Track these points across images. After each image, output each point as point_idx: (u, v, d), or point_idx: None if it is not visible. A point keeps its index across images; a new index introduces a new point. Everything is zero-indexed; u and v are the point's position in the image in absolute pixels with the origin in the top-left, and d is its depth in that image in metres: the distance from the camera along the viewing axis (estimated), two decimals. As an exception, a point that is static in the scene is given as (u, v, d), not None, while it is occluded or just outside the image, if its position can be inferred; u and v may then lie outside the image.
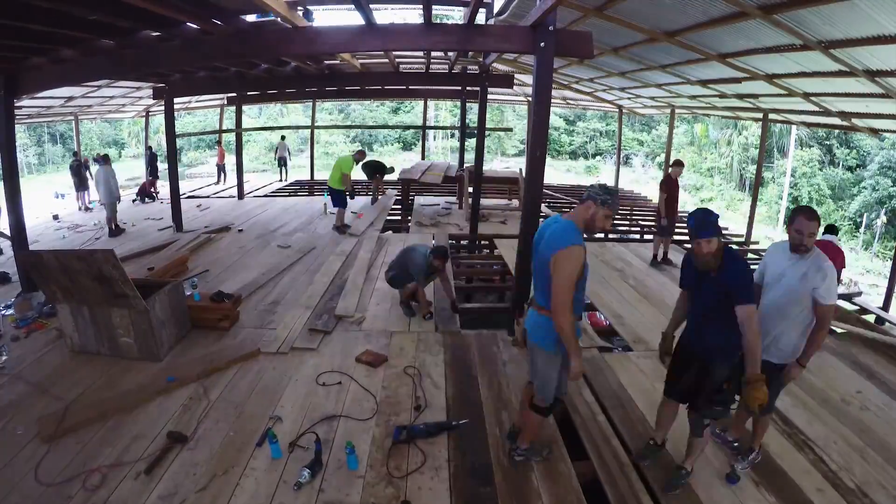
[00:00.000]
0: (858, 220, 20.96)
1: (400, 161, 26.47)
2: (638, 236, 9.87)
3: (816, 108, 7.17)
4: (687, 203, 21.61)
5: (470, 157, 11.35)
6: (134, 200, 11.72)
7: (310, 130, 17.05)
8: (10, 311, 4.99)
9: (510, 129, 29.13)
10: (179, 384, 3.70)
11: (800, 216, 2.45)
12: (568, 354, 2.48)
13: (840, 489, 2.82)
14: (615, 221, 10.08)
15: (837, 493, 2.79)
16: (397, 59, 8.36)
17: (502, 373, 4.03)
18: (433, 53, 8.17)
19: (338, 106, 32.98)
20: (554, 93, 10.50)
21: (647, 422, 3.39)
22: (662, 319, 5.13)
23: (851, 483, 2.88)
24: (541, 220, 3.65)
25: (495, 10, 5.75)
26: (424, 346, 4.46)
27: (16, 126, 5.84)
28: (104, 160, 8.62)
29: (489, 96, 8.47)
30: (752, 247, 8.96)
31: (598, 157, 32.64)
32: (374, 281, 6.00)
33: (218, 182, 15.18)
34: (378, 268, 6.45)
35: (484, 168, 8.82)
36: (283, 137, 17.33)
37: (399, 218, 10.13)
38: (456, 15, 9.42)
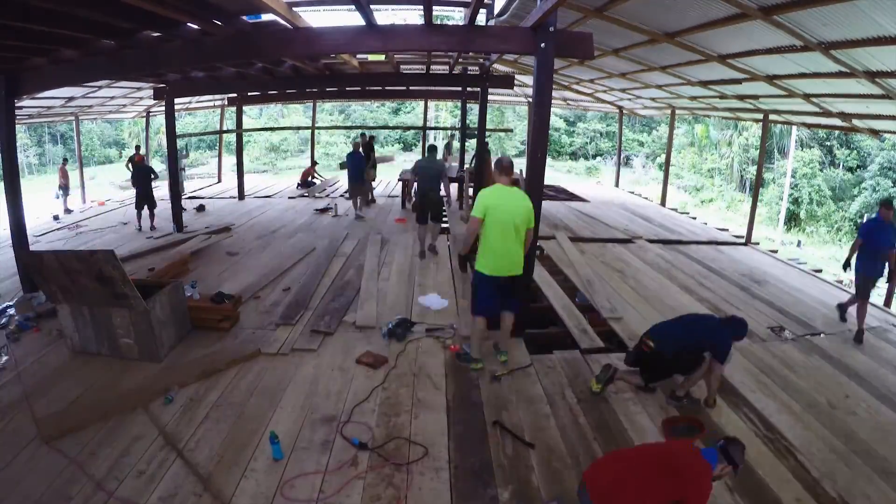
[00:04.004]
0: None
1: (401, 162, 26.52)
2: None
3: (817, 109, 7.17)
4: (687, 204, 21.61)
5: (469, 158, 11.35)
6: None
7: (310, 131, 17.05)
8: (12, 311, 4.99)
9: (511, 130, 29.13)
10: (180, 385, 3.70)
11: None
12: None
13: (821, 498, 2.77)
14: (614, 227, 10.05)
15: (816, 503, 2.74)
16: (397, 59, 8.37)
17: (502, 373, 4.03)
18: (434, 54, 8.18)
19: (338, 107, 32.96)
20: (554, 94, 10.49)
21: (621, 423, 3.42)
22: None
23: (833, 492, 2.82)
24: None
25: (496, 11, 5.76)
26: (424, 346, 4.46)
27: (16, 126, 5.84)
28: None
29: (489, 97, 8.48)
30: (753, 247, 8.95)
31: (598, 158, 32.63)
32: (379, 282, 6.00)
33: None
34: (380, 269, 6.47)
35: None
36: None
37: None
38: (456, 16, 9.42)
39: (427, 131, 17.30)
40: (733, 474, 2.24)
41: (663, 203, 12.78)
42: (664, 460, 2.20)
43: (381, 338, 4.59)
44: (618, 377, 3.74)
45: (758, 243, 9.42)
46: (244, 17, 4.66)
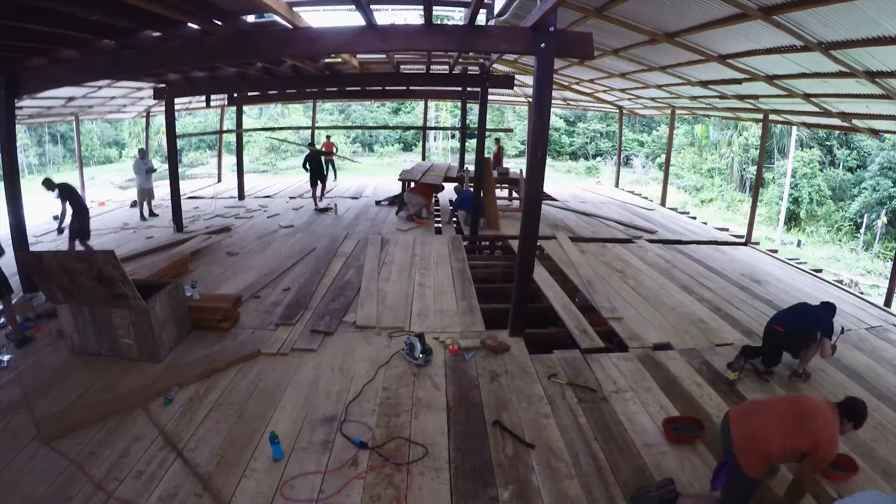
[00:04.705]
0: (859, 220, 20.95)
1: (400, 162, 26.50)
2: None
3: (817, 109, 7.16)
4: (687, 204, 21.60)
5: (471, 158, 11.36)
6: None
7: (310, 131, 17.04)
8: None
9: (511, 130, 29.14)
10: (180, 385, 3.70)
11: None
12: None
13: (820, 499, 2.77)
14: (617, 224, 10.02)
15: (817, 503, 2.74)
16: (397, 59, 8.37)
17: (502, 373, 4.04)
18: (434, 53, 8.17)
19: (338, 106, 32.99)
20: (554, 94, 10.51)
21: (621, 423, 3.42)
22: (660, 318, 5.16)
23: (834, 493, 2.82)
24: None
25: (496, 10, 5.76)
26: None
27: (16, 126, 5.84)
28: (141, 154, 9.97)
29: (490, 97, 8.47)
30: (753, 247, 8.96)
31: (598, 158, 32.64)
32: (379, 282, 6.00)
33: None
34: (380, 269, 6.47)
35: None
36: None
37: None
38: (456, 16, 9.41)
39: (427, 131, 17.27)
40: (853, 429, 2.57)
41: (663, 203, 12.79)
42: (803, 411, 2.48)
43: (384, 342, 4.59)
44: (748, 366, 4.15)
45: (758, 243, 9.42)
46: (245, 17, 4.66)
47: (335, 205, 10.54)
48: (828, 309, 4.18)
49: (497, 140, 15.98)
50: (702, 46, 5.89)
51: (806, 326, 4.01)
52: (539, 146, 4.28)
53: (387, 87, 12.34)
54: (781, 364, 4.20)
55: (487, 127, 8.76)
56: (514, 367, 4.12)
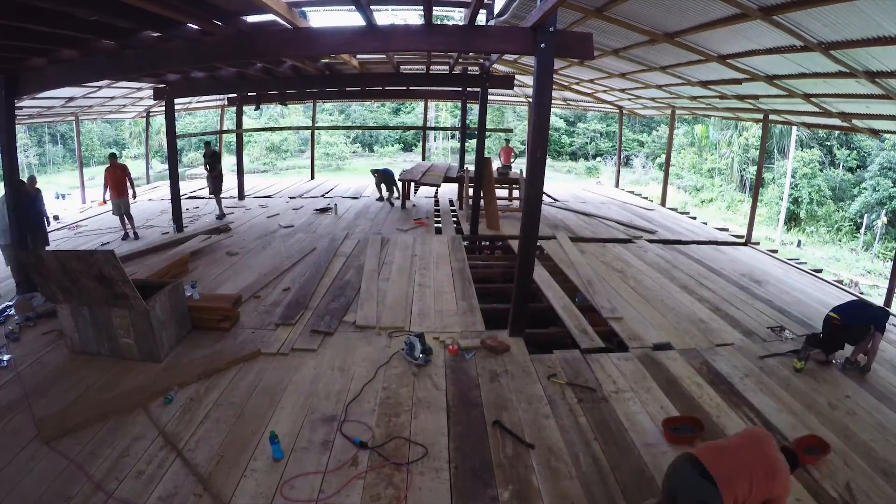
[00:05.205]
0: (859, 220, 20.94)
1: (400, 162, 26.52)
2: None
3: (817, 109, 7.16)
4: (687, 204, 21.60)
5: (471, 158, 11.36)
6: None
7: (310, 131, 17.05)
8: (11, 311, 4.99)
9: (510, 130, 29.11)
10: (180, 385, 3.70)
11: None
12: None
13: (821, 498, 2.77)
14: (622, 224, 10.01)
15: (816, 503, 2.74)
16: (397, 60, 8.38)
17: (502, 373, 4.04)
18: (434, 54, 8.17)
19: (338, 107, 33.00)
20: (554, 94, 10.50)
21: (621, 423, 3.42)
22: (660, 318, 5.16)
23: (833, 492, 2.82)
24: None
25: (496, 11, 5.76)
26: (425, 346, 4.46)
27: (16, 126, 5.84)
28: None
29: (490, 97, 8.47)
30: (753, 247, 8.96)
31: (598, 158, 32.64)
32: (379, 282, 6.00)
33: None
34: (380, 268, 6.47)
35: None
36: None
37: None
38: (456, 16, 9.41)
39: (427, 131, 17.29)
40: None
41: (663, 203, 12.79)
42: (772, 465, 2.40)
43: (383, 342, 4.59)
44: (811, 355, 4.37)
45: (758, 243, 9.42)
46: (245, 18, 4.66)
47: (335, 205, 10.54)
48: (883, 309, 4.67)
49: (506, 140, 16.06)
50: (702, 46, 5.89)
51: (860, 319, 4.30)
52: (539, 146, 4.29)
53: (387, 88, 12.35)
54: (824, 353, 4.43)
55: (487, 127, 8.77)
56: (514, 367, 4.12)
